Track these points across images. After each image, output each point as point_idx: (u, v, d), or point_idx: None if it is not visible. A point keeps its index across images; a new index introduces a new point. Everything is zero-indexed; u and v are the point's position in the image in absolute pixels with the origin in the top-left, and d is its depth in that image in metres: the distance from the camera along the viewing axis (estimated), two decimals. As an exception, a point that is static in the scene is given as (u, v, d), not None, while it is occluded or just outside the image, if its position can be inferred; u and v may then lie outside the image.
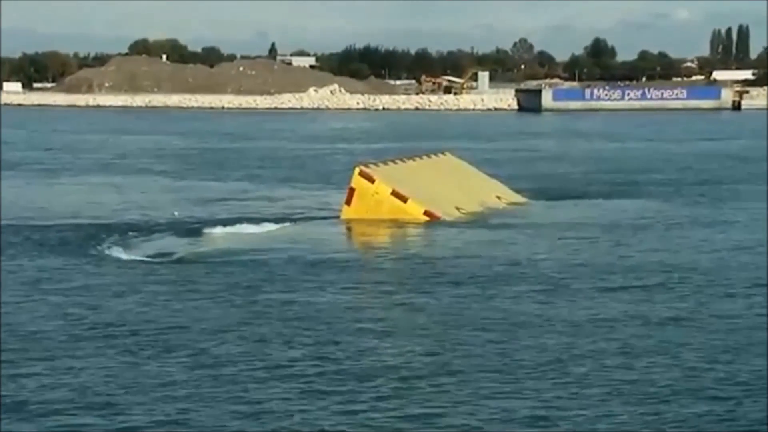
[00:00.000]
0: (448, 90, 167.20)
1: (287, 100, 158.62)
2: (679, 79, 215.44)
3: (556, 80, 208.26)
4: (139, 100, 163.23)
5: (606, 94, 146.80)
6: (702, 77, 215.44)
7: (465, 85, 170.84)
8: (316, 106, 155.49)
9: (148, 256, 22.56)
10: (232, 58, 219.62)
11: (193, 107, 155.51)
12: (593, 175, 44.08)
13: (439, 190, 30.85)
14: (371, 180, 28.86)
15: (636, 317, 16.52)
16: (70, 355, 14.19)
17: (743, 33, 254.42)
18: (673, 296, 18.25)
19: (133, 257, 22.45)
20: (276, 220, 28.48)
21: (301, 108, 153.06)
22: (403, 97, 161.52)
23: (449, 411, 11.79)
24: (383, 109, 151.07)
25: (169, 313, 16.92)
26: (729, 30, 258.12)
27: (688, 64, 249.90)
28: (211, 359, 13.98)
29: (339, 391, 12.45)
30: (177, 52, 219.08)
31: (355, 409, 11.87)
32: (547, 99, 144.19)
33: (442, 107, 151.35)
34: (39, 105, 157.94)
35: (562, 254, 22.85)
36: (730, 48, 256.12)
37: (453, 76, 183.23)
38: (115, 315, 16.70)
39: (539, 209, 32.19)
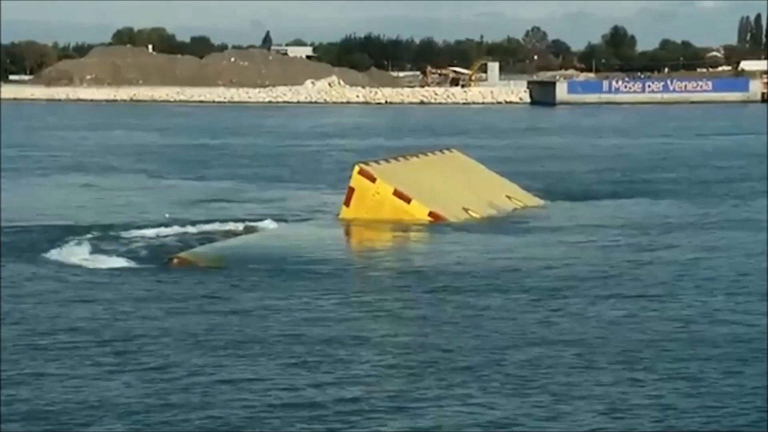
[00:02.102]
0: (455, 82, 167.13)
1: (282, 94, 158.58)
2: (703, 69, 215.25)
3: (571, 71, 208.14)
4: (123, 93, 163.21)
5: (625, 87, 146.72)
6: (729, 68, 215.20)
7: (473, 77, 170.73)
8: (313, 99, 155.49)
9: (120, 261, 22.43)
10: (223, 48, 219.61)
11: (181, 101, 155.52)
12: (611, 174, 43.96)
13: (445, 190, 30.70)
14: (372, 179, 28.70)
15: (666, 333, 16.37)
16: (26, 369, 14.11)
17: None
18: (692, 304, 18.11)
19: (103, 263, 22.29)
20: (266, 223, 28.31)
21: (298, 102, 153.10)
22: (407, 89, 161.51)
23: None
24: (385, 102, 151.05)
25: (133, 322, 16.77)
26: (758, 17, 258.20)
27: (714, 53, 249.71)
28: (172, 371, 13.88)
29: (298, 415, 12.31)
30: (164, 42, 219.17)
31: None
32: (561, 91, 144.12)
33: (448, 101, 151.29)
34: (15, 99, 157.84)
35: (580, 260, 22.66)
36: (759, 36, 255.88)
37: (460, 67, 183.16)
38: (75, 324, 16.58)
39: (553, 210, 32.04)
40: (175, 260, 22.29)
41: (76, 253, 23.26)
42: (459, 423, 12.01)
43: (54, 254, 23.28)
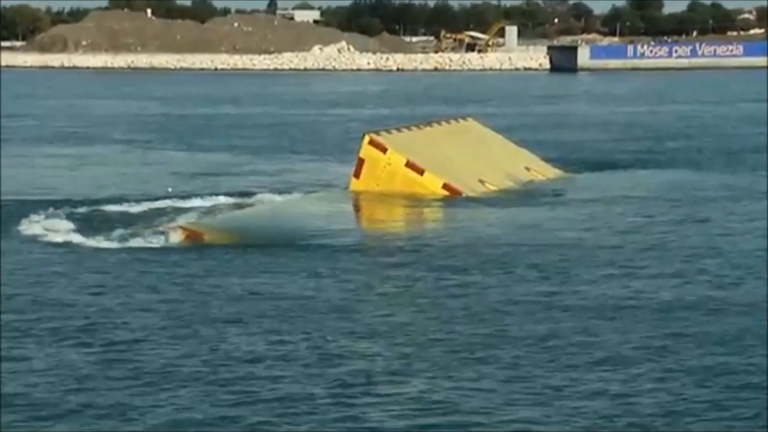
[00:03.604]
0: (471, 47, 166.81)
1: (289, 60, 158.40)
2: (734, 33, 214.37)
3: (594, 36, 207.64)
4: (120, 60, 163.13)
5: (651, 51, 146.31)
6: (761, 31, 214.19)
7: (490, 42, 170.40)
8: (321, 66, 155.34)
9: (105, 240, 22.37)
10: (226, 12, 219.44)
11: (182, 68, 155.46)
12: (633, 143, 43.97)
13: (460, 161, 30.74)
14: (383, 149, 28.75)
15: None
16: None
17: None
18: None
19: (104, 239, 22.34)
20: (274, 195, 28.36)
21: (305, 69, 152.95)
22: (420, 55, 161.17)
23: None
24: (398, 69, 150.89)
25: (108, 302, 16.88)
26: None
27: (746, 15, 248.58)
28: (148, 358, 13.97)
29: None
30: (163, 6, 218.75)
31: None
32: (583, 57, 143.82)
33: (464, 67, 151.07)
34: (7, 66, 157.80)
35: (601, 235, 22.72)
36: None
37: (477, 31, 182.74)
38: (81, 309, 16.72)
39: (573, 182, 32.09)
40: (180, 230, 22.35)
41: (71, 230, 23.29)
42: (455, 404, 12.14)
43: (45, 230, 23.30)
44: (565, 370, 13.22)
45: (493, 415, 11.74)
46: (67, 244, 21.91)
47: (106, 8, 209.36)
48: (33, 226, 23.69)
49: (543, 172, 33.21)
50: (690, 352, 13.91)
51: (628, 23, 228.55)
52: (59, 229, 23.26)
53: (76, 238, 22.37)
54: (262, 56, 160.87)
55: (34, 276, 18.90)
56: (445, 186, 28.35)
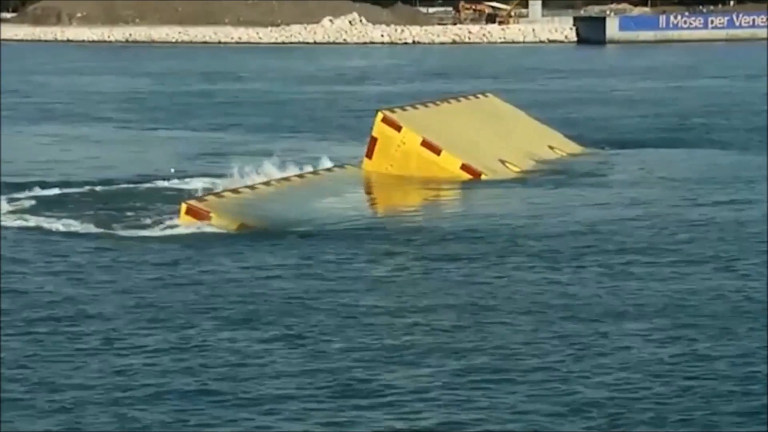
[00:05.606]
0: (491, 19, 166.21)
1: (297, 33, 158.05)
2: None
3: (623, 5, 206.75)
4: (117, 33, 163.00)
5: (685, 22, 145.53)
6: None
7: (513, 13, 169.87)
8: (332, 39, 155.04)
9: (104, 223, 22.52)
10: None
11: (183, 42, 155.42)
12: (664, 120, 43.91)
13: (479, 140, 30.79)
14: (397, 127, 28.80)
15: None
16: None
17: None
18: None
19: (88, 224, 22.45)
20: (272, 178, 28.30)
21: (315, 42, 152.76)
22: (438, 27, 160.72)
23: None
24: (413, 42, 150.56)
25: (79, 290, 17.04)
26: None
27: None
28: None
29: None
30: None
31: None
32: (612, 28, 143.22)
33: (484, 40, 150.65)
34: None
35: (635, 219, 22.72)
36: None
37: (498, 1, 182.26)
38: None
39: (600, 161, 32.08)
40: (185, 206, 22.37)
41: (68, 214, 23.41)
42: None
43: (37, 214, 23.42)
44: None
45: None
46: (65, 229, 22.05)
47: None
48: (21, 208, 23.79)
49: (569, 150, 33.24)
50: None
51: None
52: (52, 213, 23.39)
53: (74, 223, 22.48)
54: (269, 29, 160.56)
55: (24, 264, 19.03)
56: (463, 167, 28.40)
